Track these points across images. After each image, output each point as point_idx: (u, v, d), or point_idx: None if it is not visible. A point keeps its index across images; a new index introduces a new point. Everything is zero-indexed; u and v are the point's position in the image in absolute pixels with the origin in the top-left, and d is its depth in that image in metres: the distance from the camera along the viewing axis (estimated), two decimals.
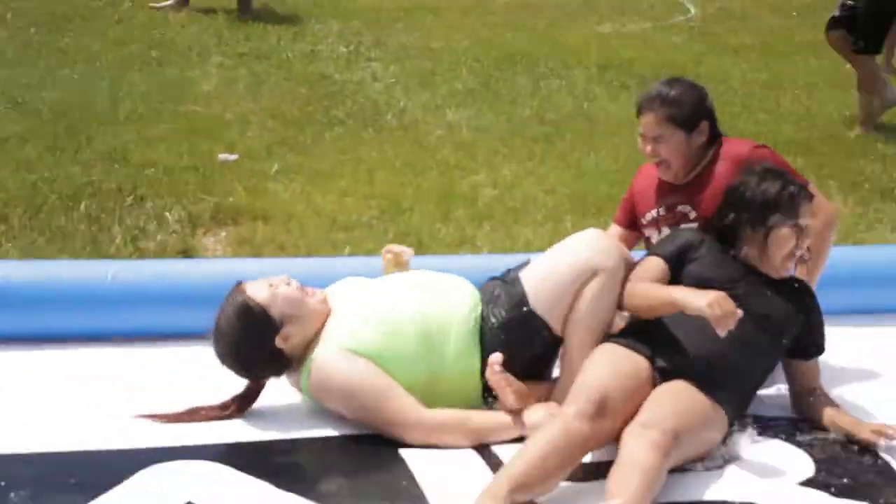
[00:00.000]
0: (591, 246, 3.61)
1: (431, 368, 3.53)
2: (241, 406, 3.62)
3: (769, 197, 3.56)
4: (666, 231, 3.96)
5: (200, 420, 3.56)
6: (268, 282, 3.59)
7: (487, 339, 3.58)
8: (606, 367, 3.34)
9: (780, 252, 3.57)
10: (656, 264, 3.60)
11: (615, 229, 4.20)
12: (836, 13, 7.78)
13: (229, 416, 3.59)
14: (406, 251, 4.00)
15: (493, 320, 3.61)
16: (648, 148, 3.98)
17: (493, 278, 3.79)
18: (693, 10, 12.38)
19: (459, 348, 3.56)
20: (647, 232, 4.09)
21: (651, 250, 3.75)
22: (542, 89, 8.68)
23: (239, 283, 3.62)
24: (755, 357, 3.53)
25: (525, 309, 3.58)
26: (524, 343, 3.59)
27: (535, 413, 3.41)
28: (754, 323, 3.42)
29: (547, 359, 3.71)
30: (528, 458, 3.05)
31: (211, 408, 3.60)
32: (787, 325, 3.59)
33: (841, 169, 6.74)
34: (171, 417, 3.56)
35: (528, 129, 7.52)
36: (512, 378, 3.45)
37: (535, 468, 3.04)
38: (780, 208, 3.55)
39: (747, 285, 3.54)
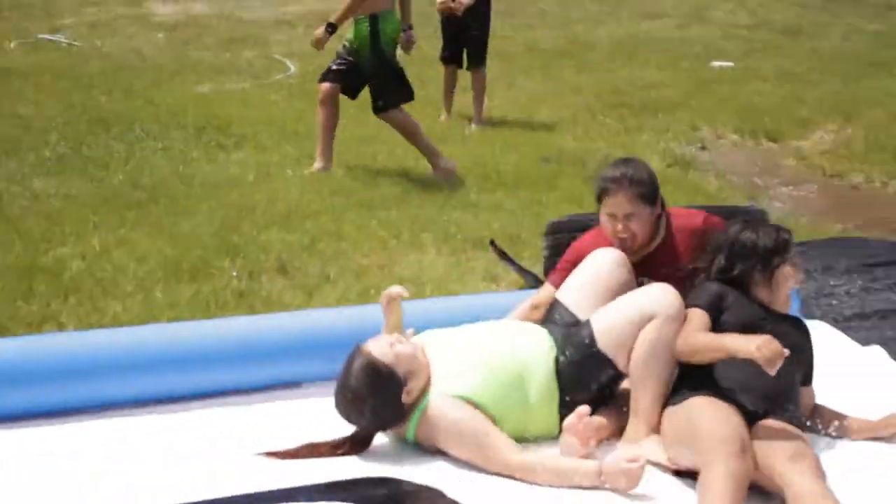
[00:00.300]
0: (652, 296, 4.05)
1: (522, 403, 3.99)
2: (353, 447, 3.93)
3: (770, 243, 4.06)
4: None
5: (318, 456, 3.85)
6: (388, 341, 3.93)
7: (562, 375, 4.06)
8: (720, 413, 3.72)
9: (786, 289, 4.09)
10: (701, 315, 3.97)
11: (550, 289, 4.48)
12: (333, 66, 7.94)
13: (343, 454, 3.89)
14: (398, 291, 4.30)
15: (566, 359, 4.07)
16: (619, 226, 4.31)
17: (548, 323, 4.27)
18: (293, 68, 12.42)
19: (542, 384, 4.03)
20: None
21: (689, 303, 4.01)
22: (136, 153, 8.40)
23: (359, 346, 3.92)
24: (798, 388, 4.02)
25: (594, 349, 4.06)
26: (593, 378, 4.08)
27: (614, 462, 3.71)
28: (792, 356, 3.78)
29: (610, 391, 4.15)
30: (714, 500, 3.40)
31: (325, 445, 3.90)
32: (808, 355, 4.11)
33: (434, 221, 6.86)
34: (290, 454, 3.85)
35: (120, 196, 7.22)
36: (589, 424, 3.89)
37: None
38: (778, 251, 4.05)
39: (771, 324, 3.96)
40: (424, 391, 3.92)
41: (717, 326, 3.96)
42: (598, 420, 3.97)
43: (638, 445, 3.91)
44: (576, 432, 3.86)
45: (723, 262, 4.10)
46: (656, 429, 3.96)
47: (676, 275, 4.25)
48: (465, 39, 9.82)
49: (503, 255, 5.99)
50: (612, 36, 15.40)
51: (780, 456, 3.55)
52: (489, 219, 6.91)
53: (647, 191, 4.32)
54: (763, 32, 16.21)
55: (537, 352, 4.08)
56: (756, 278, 4.06)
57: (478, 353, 4.03)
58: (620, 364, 4.05)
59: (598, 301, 4.21)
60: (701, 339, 3.87)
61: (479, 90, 9.90)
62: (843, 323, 5.35)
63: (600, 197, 4.36)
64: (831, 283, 6.01)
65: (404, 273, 5.96)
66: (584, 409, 3.88)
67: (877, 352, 5.00)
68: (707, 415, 3.71)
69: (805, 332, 4.14)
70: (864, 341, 5.12)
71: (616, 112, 10.59)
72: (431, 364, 4.00)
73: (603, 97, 11.21)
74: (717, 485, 3.43)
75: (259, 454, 3.86)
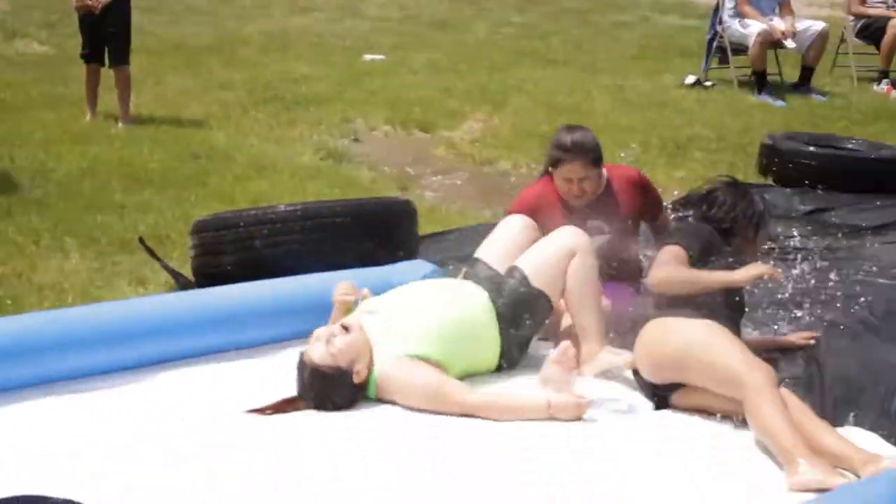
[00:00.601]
0: (565, 237, 4.71)
1: (469, 351, 4.48)
2: None
3: (760, 211, 4.70)
4: None
5: (297, 409, 4.25)
6: (325, 339, 4.29)
7: (502, 317, 4.58)
8: (737, 343, 4.12)
9: (759, 249, 4.74)
10: (681, 253, 4.38)
11: None
12: None
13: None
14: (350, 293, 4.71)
15: (504, 300, 4.60)
16: (575, 188, 5.02)
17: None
18: None
19: (486, 330, 4.55)
20: None
21: (673, 240, 4.49)
22: None
23: (302, 357, 4.31)
24: None
25: (531, 288, 4.62)
26: (530, 313, 4.63)
27: (562, 402, 4.15)
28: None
29: (541, 324, 4.76)
30: (777, 431, 3.77)
31: (299, 399, 4.30)
32: None
33: (79, 224, 6.54)
34: (273, 409, 4.23)
35: None
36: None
37: (788, 431, 3.75)
38: (764, 221, 4.71)
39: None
40: (372, 363, 4.33)
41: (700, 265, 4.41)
42: (574, 351, 4.36)
43: (597, 359, 4.54)
44: (562, 364, 4.26)
45: (723, 212, 4.64)
46: (601, 344, 4.61)
47: (614, 213, 5.10)
48: (106, 37, 9.41)
49: (151, 253, 5.76)
50: (263, 31, 15.23)
51: None
52: (136, 220, 6.65)
53: (597, 156, 5.05)
54: (412, 25, 16.46)
55: (478, 302, 4.58)
56: (746, 235, 4.64)
57: (427, 312, 4.44)
58: (553, 298, 4.67)
59: (513, 258, 4.79)
60: (687, 272, 4.34)
61: (124, 88, 9.51)
62: None
63: (556, 164, 5.04)
64: None
65: (44, 280, 5.66)
66: (566, 343, 4.31)
67: None
68: (732, 343, 4.11)
69: None
70: None
71: (268, 107, 10.44)
72: (383, 326, 4.41)
73: (254, 92, 11.03)
74: (767, 426, 3.81)
75: (246, 412, 4.19)
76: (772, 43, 11.63)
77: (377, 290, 5.01)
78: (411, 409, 4.26)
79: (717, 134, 9.69)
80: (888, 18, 12.24)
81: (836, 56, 12.89)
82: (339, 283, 4.76)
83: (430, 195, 7.91)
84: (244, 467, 3.78)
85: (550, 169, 5.12)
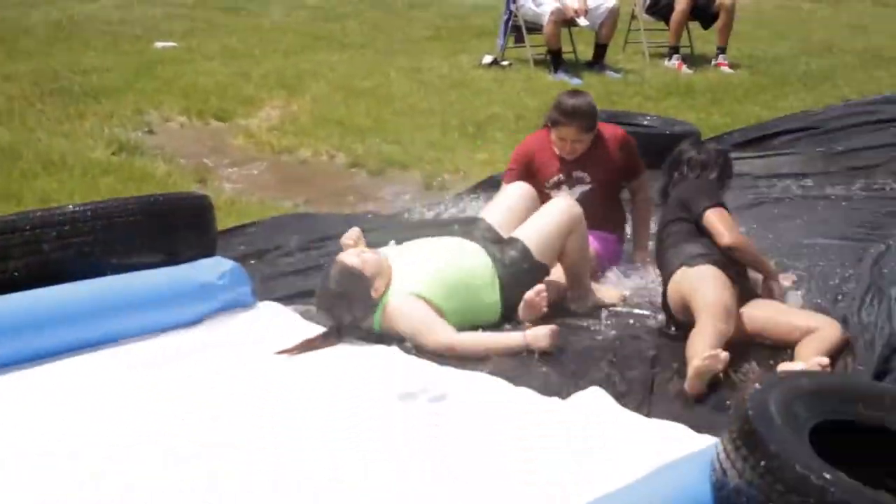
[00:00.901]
0: (560, 208, 5.26)
1: (468, 300, 4.98)
2: (331, 339, 4.80)
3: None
4: (565, 189, 5.71)
5: (315, 349, 4.67)
6: (356, 252, 4.91)
7: (503, 280, 5.09)
8: (720, 283, 4.76)
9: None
10: (727, 213, 5.06)
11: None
12: None
13: (332, 344, 4.74)
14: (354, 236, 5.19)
15: (505, 268, 5.12)
16: (567, 147, 5.67)
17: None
18: None
19: (485, 285, 5.07)
20: (552, 192, 5.65)
21: (710, 202, 5.03)
22: None
23: (335, 258, 4.91)
24: None
25: (533, 260, 5.16)
26: (530, 280, 5.07)
27: (536, 331, 4.75)
28: None
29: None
30: (701, 348, 4.39)
31: (317, 338, 4.75)
32: None
33: None
34: (297, 349, 4.64)
35: None
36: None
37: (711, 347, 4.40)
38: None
39: None
40: (387, 288, 4.87)
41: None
42: (545, 293, 4.96)
43: (588, 298, 5.31)
44: (536, 301, 4.92)
45: (717, 165, 5.32)
46: (588, 287, 5.33)
47: (604, 166, 5.76)
48: None
49: None
50: (48, 19, 14.67)
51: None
52: None
53: (592, 123, 5.65)
54: (204, 10, 16.09)
55: (479, 261, 5.10)
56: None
57: (431, 260, 5.00)
58: (551, 266, 5.24)
59: (513, 223, 5.32)
60: (758, 252, 5.16)
61: None
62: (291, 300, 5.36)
63: (554, 124, 5.64)
64: (287, 261, 6.00)
65: None
66: (540, 287, 4.96)
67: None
68: (711, 283, 4.75)
69: None
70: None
71: (56, 99, 9.99)
72: (399, 266, 4.95)
73: (40, 84, 10.54)
74: (708, 334, 4.48)
75: (275, 353, 4.60)
76: (565, 21, 11.77)
77: (176, 290, 4.91)
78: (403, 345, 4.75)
79: (515, 113, 9.74)
80: None
81: (628, 33, 13.17)
82: (351, 229, 5.23)
83: (229, 187, 7.72)
84: (244, 467, 3.74)
85: (549, 125, 5.70)
